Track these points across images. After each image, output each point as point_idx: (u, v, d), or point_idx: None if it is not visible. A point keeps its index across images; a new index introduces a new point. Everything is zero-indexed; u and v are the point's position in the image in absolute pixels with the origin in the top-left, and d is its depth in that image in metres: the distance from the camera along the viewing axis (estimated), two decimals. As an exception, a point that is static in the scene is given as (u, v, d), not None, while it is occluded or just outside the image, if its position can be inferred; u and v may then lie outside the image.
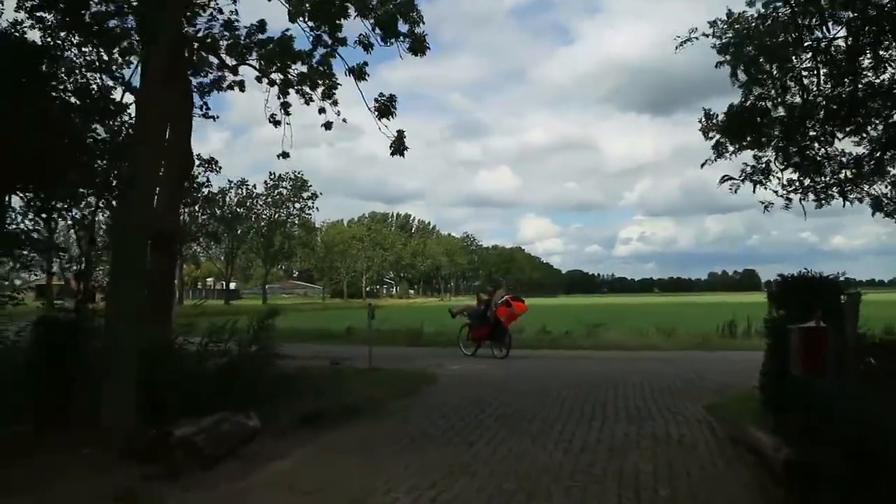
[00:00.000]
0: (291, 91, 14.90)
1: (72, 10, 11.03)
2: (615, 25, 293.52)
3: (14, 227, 10.17)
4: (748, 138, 10.63)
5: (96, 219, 12.14)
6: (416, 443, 7.68)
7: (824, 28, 9.90)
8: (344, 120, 14.89)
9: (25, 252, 10.29)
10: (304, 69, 14.53)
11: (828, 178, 10.97)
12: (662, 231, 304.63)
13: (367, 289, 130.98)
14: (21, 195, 10.20)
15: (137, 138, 7.03)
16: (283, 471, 6.62)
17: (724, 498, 5.72)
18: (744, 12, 10.54)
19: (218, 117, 14.74)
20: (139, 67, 10.02)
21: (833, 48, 10.05)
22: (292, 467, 6.75)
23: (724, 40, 10.47)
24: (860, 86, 10.09)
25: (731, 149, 11.03)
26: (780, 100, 10.53)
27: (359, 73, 14.22)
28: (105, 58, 12.48)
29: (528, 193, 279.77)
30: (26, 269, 11.12)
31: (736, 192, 11.22)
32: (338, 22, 13.60)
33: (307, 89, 14.76)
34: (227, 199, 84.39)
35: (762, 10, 10.08)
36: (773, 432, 6.71)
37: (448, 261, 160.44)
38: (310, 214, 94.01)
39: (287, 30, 14.07)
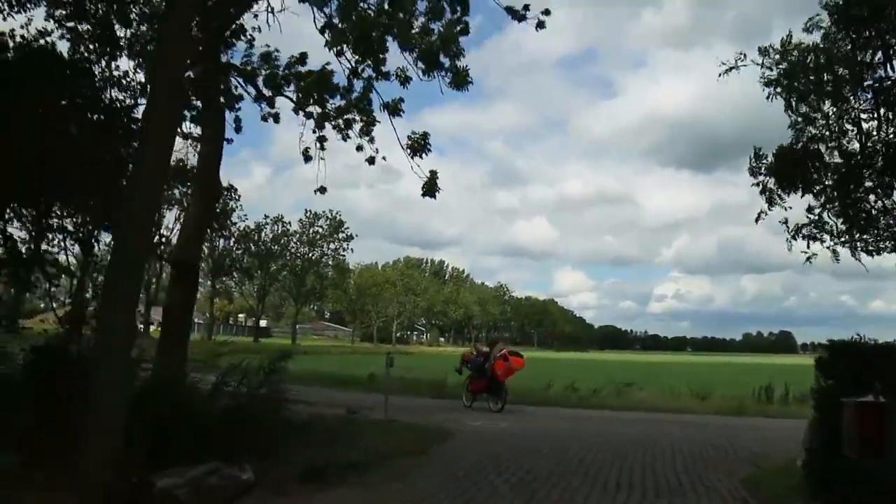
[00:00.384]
0: (328, 125, 14.57)
1: (103, 21, 10.76)
2: (659, 80, 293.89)
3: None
4: (798, 184, 9.72)
5: (96, 237, 11.37)
6: (421, 511, 6.97)
7: (888, 66, 9.04)
8: (384, 158, 14.43)
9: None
10: (342, 103, 14.22)
11: (882, 232, 9.94)
12: (698, 289, 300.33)
13: (398, 334, 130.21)
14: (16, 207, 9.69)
15: (142, 149, 6.57)
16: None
17: None
18: (800, 43, 9.68)
19: (232, 141, 14.15)
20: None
21: None
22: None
23: (774, 71, 9.70)
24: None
25: (784, 198, 10.12)
26: (835, 143, 9.66)
27: (393, 108, 13.86)
28: (130, 73, 12.15)
29: (563, 245, 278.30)
30: (25, 290, 10.57)
31: (790, 249, 10.32)
32: (381, 56, 13.33)
33: (343, 124, 14.41)
34: (263, 234, 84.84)
35: (819, 43, 9.27)
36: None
37: (480, 310, 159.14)
38: (343, 256, 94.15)
39: (328, 63, 13.77)
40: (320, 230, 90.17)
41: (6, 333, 9.56)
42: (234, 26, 13.23)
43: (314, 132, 14.65)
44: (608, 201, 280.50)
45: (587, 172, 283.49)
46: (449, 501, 7.36)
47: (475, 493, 7.77)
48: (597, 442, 12.11)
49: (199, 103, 13.44)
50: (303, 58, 14.02)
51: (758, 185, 10.29)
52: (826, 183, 9.70)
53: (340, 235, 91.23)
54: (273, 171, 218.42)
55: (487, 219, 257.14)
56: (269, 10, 13.32)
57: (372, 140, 14.39)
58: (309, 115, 14.41)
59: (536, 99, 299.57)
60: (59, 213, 10.19)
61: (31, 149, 8.25)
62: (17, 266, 9.50)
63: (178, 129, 14.68)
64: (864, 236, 9.85)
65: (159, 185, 6.32)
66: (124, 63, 11.94)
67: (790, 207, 10.23)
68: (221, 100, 13.81)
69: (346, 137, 14.43)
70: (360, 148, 14.39)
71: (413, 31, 12.97)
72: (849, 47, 9.19)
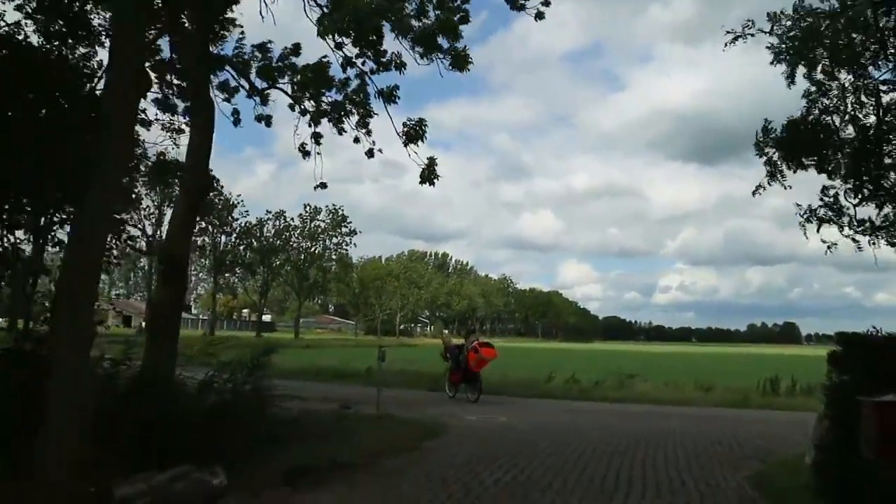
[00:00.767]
0: (324, 121, 14.21)
1: (71, 13, 10.27)
2: (666, 74, 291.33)
3: None
4: (811, 159, 9.05)
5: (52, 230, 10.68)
6: (402, 516, 6.48)
7: None
8: (380, 150, 14.07)
9: None
10: (339, 97, 13.92)
11: None
12: (703, 280, 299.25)
13: (402, 327, 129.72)
14: None
15: (104, 128, 6.05)
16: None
17: None
18: (815, 8, 8.97)
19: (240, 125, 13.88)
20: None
21: None
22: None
23: (784, 42, 9.05)
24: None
25: (787, 172, 9.46)
26: (850, 116, 8.98)
27: (388, 95, 13.52)
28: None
29: (569, 238, 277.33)
30: None
31: (805, 232, 9.67)
32: (380, 48, 13.00)
33: (338, 117, 14.03)
34: (265, 230, 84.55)
35: (836, 5, 8.55)
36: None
37: (484, 301, 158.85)
38: (346, 250, 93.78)
39: (324, 56, 13.44)
40: (322, 224, 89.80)
41: None
42: (224, 16, 12.81)
43: (310, 125, 14.30)
44: (614, 194, 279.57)
45: (594, 166, 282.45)
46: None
47: (463, 496, 7.25)
48: (596, 436, 11.66)
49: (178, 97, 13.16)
50: (297, 48, 13.65)
51: (763, 156, 9.65)
52: (840, 158, 9.04)
53: (343, 230, 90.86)
54: (277, 168, 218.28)
55: (493, 212, 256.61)
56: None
57: (369, 133, 14.03)
58: (304, 112, 14.09)
59: (542, 93, 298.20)
60: (15, 202, 9.54)
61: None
62: None
63: (164, 122, 14.45)
64: (886, 221, 9.18)
65: (118, 176, 5.78)
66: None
67: (790, 187, 9.59)
68: (212, 92, 13.53)
69: (341, 131, 14.08)
70: (356, 140, 14.02)
71: (408, 13, 12.56)
72: (869, 12, 8.48)
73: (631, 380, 21.83)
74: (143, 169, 16.67)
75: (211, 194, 74.27)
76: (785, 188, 9.78)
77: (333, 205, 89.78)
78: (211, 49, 12.92)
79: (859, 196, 9.14)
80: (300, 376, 23.31)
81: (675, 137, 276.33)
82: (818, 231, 9.61)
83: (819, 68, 8.90)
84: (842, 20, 8.52)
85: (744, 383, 20.82)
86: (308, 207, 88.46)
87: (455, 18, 12.49)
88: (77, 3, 10.50)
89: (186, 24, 12.58)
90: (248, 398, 9.45)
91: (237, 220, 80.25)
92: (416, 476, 8.19)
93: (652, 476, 8.57)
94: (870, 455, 5.27)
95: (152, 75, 12.79)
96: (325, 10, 12.96)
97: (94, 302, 6.11)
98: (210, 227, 77.63)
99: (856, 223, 9.35)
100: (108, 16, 10.93)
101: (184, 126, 14.17)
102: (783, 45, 9.09)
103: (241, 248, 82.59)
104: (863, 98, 8.89)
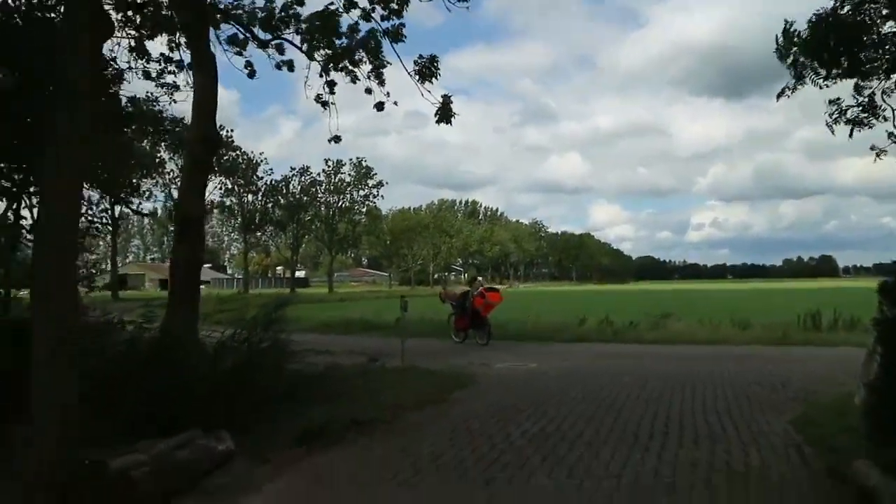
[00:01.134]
0: (335, 70, 13.90)
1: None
2: (687, 8, 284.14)
3: None
4: (841, 64, 8.12)
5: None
6: (420, 475, 6.07)
7: None
8: (395, 103, 13.88)
9: None
10: (348, 43, 13.55)
11: None
12: (736, 216, 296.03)
13: (436, 276, 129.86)
14: None
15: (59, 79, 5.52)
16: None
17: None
18: None
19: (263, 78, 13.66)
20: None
21: None
22: (258, 508, 5.35)
23: None
24: None
25: (814, 74, 8.54)
26: (890, 10, 7.96)
27: (395, 34, 13.19)
28: None
29: (597, 179, 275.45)
30: None
31: (833, 132, 8.79)
32: None
33: (349, 65, 13.74)
34: (291, 187, 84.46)
35: None
36: (887, 471, 4.97)
37: (516, 247, 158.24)
38: (373, 202, 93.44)
39: (331, 3, 13.01)
40: (347, 178, 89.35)
41: None
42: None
43: (320, 76, 14.04)
44: (640, 133, 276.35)
45: (618, 105, 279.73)
46: (455, 464, 6.44)
47: (487, 450, 6.86)
48: (630, 381, 11.19)
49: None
50: None
51: (785, 61, 8.70)
52: (880, 55, 8.07)
53: (369, 182, 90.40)
54: (301, 125, 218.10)
55: (519, 157, 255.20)
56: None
57: (382, 83, 13.73)
58: (312, 58, 13.74)
59: (562, 35, 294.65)
60: None
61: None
62: None
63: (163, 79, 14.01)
64: None
65: (77, 127, 5.23)
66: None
67: (826, 85, 8.66)
68: (220, 46, 13.36)
69: (354, 79, 13.77)
70: (368, 91, 13.76)
71: None
72: None
73: (665, 319, 21.29)
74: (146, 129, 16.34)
75: (234, 153, 75.01)
76: (820, 87, 8.88)
77: (357, 157, 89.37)
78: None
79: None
80: (331, 330, 23.23)
81: (699, 72, 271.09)
82: (850, 136, 8.79)
83: None
84: None
85: (782, 319, 20.17)
86: (329, 161, 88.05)
87: None
88: None
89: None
90: (266, 356, 9.14)
91: (261, 178, 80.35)
92: (439, 430, 7.83)
93: (689, 422, 8.10)
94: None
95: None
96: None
97: (71, 269, 5.58)
98: (236, 186, 77.87)
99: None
100: None
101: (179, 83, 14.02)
102: None
103: (269, 205, 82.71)
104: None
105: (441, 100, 13.04)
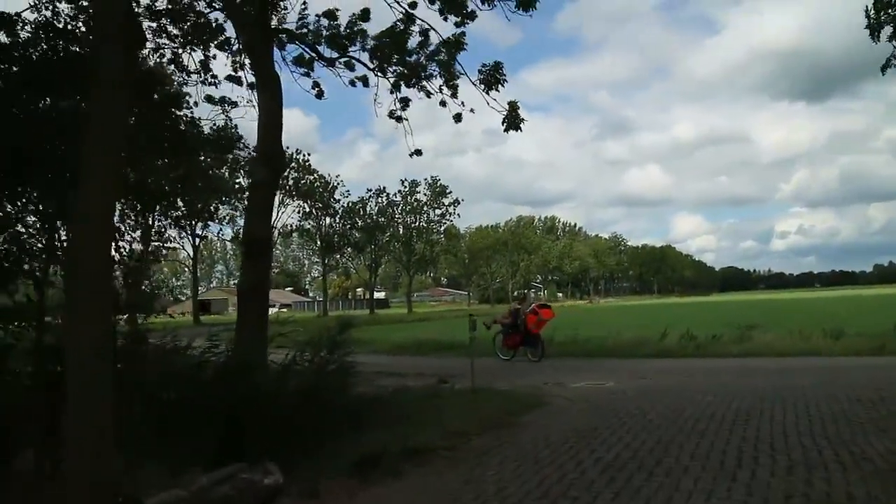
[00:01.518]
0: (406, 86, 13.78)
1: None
2: (762, 12, 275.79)
3: None
4: None
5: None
6: (482, 512, 5.57)
7: None
8: (472, 110, 13.47)
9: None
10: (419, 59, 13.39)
11: None
12: (822, 223, 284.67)
13: (515, 293, 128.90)
14: None
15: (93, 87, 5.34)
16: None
17: None
18: None
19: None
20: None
21: None
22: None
23: None
24: None
25: None
26: None
27: (455, 44, 12.97)
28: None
29: (678, 190, 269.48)
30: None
31: None
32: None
33: (423, 79, 13.57)
34: (368, 208, 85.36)
35: None
36: None
37: (595, 261, 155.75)
38: (450, 220, 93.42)
39: (399, 20, 12.91)
40: (423, 197, 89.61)
41: None
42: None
43: (391, 92, 13.91)
44: (720, 141, 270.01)
45: (696, 114, 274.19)
46: (521, 492, 5.94)
47: (556, 481, 6.27)
48: (714, 400, 10.36)
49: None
50: (365, 14, 13.14)
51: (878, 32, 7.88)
52: None
53: (445, 201, 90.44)
54: (379, 147, 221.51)
55: (598, 171, 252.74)
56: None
57: (455, 95, 13.50)
58: (384, 74, 13.66)
59: (637, 46, 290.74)
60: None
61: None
62: None
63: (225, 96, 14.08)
64: None
65: (112, 136, 5.03)
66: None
67: None
68: (286, 67, 13.44)
69: (428, 94, 13.59)
70: (443, 103, 13.55)
71: None
72: None
73: (751, 331, 20.12)
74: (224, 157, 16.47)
75: (311, 177, 76.38)
76: None
77: (432, 176, 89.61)
78: (273, 22, 12.58)
79: None
80: (405, 351, 22.93)
81: (778, 76, 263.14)
82: None
83: None
84: None
85: (877, 328, 18.65)
86: (405, 182, 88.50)
87: None
88: None
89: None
90: (331, 379, 8.86)
91: (338, 201, 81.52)
92: (505, 459, 7.29)
93: (781, 446, 7.29)
94: None
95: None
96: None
97: (109, 273, 5.32)
98: (314, 210, 79.22)
99: None
100: None
101: (244, 102, 13.88)
102: None
103: (347, 227, 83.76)
104: None
105: (507, 107, 12.72)
